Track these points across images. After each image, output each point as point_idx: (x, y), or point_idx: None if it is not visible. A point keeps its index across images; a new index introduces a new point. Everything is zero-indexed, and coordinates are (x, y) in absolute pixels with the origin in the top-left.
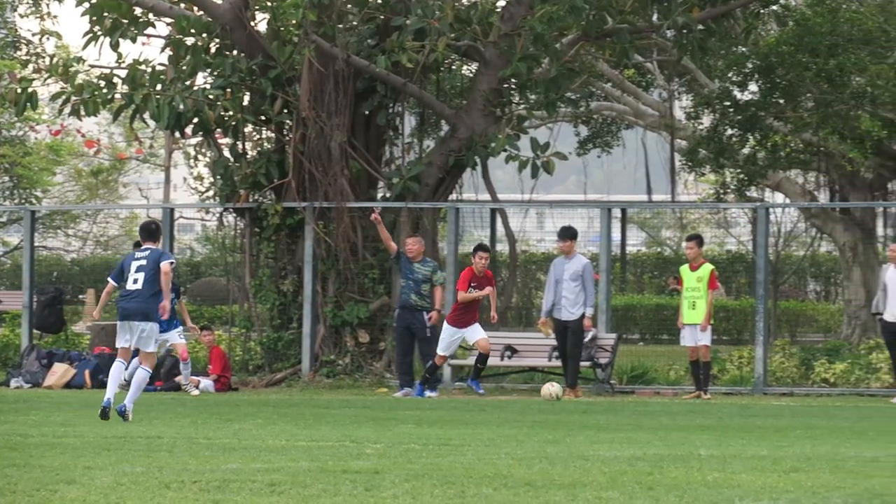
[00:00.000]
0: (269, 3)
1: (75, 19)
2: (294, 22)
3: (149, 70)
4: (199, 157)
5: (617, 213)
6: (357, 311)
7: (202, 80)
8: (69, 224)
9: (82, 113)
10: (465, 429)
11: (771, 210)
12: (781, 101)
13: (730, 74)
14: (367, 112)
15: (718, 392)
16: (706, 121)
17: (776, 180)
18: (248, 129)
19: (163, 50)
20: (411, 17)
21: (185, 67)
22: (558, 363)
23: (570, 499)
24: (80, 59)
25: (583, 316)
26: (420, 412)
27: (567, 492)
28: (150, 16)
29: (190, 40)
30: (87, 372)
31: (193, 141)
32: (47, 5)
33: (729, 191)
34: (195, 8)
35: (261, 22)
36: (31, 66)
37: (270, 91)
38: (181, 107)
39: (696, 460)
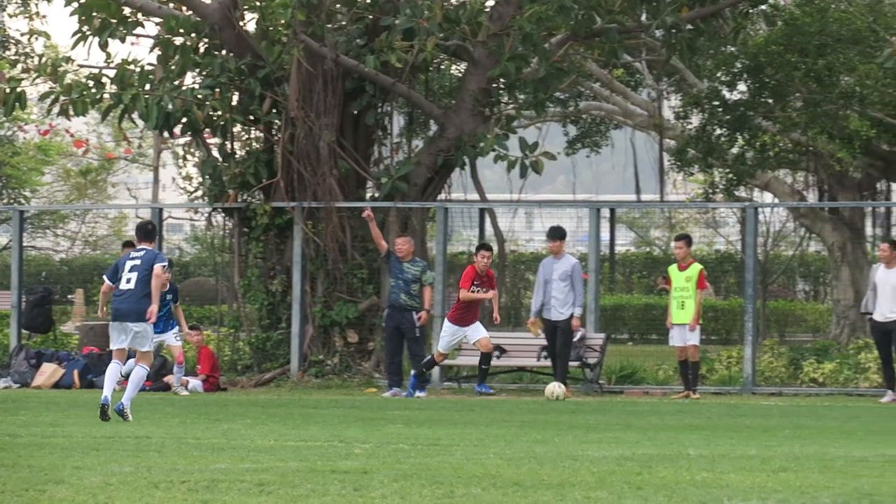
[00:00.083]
0: (257, 3)
1: (64, 19)
2: (283, 21)
3: (137, 70)
4: (188, 156)
5: (606, 212)
6: (346, 311)
7: (191, 79)
8: (58, 224)
9: (71, 113)
10: (453, 429)
11: (760, 210)
12: (770, 100)
13: (719, 74)
14: (355, 112)
15: (707, 392)
16: (695, 120)
17: (765, 180)
18: (237, 128)
19: (151, 50)
20: (400, 16)
21: (173, 67)
22: (547, 363)
23: (559, 499)
24: (68, 59)
25: (572, 316)
26: (409, 412)
27: (556, 492)
28: (139, 15)
29: (179, 40)
30: (75, 372)
31: (182, 141)
32: (36, 5)
33: (718, 190)
34: (184, 8)
35: (249, 22)
36: (19, 66)
37: (259, 91)
38: (170, 106)
39: (684, 460)
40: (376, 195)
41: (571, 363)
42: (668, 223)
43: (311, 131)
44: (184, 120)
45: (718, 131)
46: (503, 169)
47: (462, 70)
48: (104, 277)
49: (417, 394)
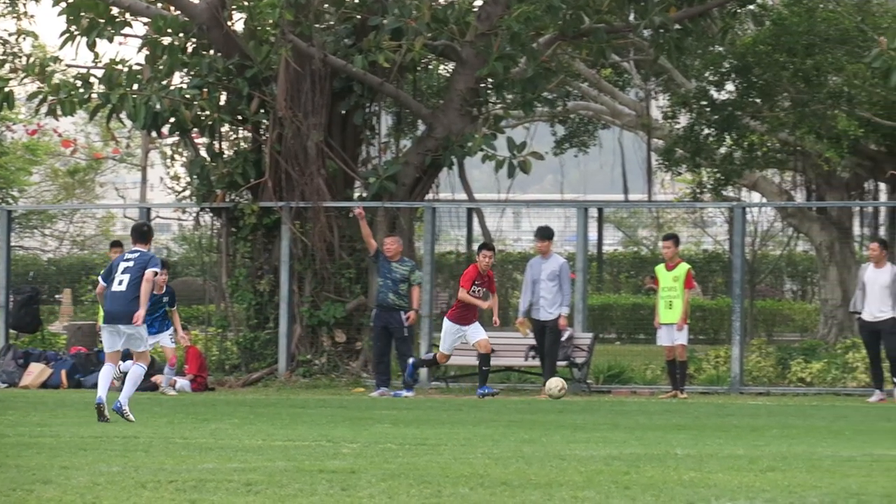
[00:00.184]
0: (245, 3)
1: (52, 19)
2: (271, 21)
3: (125, 70)
4: (176, 156)
5: (593, 212)
6: (333, 310)
7: (179, 79)
8: (46, 224)
9: (59, 113)
10: (441, 428)
11: (747, 209)
12: (758, 100)
13: (707, 74)
14: (343, 111)
15: (695, 391)
16: (683, 120)
17: (753, 180)
18: (225, 128)
19: (139, 49)
20: (388, 16)
21: (161, 67)
22: (535, 363)
23: (547, 498)
24: (56, 59)
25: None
26: (396, 412)
27: (543, 491)
28: (127, 15)
29: (167, 40)
30: (63, 372)
31: (170, 140)
32: (24, 5)
33: (705, 190)
34: (172, 7)
35: (237, 21)
36: (7, 66)
37: (247, 91)
38: (158, 106)
39: (672, 460)
40: (364, 195)
41: (559, 363)
42: (655, 223)
43: (299, 131)
44: (172, 120)
45: (706, 131)
46: (491, 169)
47: (450, 70)
48: (98, 278)
49: (405, 394)
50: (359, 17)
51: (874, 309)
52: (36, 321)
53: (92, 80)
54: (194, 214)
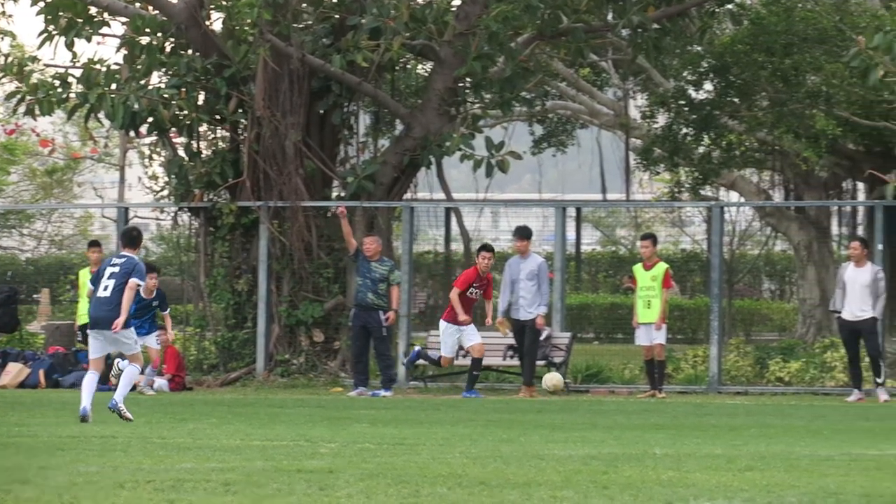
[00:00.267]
0: (224, 3)
1: (30, 18)
2: (249, 21)
3: (104, 69)
4: (154, 156)
5: (572, 212)
6: (311, 310)
7: (157, 79)
8: (24, 223)
9: (37, 112)
10: (419, 428)
11: (725, 209)
12: (736, 100)
13: (685, 73)
14: (321, 111)
15: (673, 391)
16: (661, 120)
17: (731, 179)
18: (203, 128)
19: (118, 49)
20: (366, 16)
21: (139, 67)
22: (513, 362)
23: (525, 498)
24: (34, 59)
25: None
26: (374, 411)
27: (521, 491)
28: (105, 15)
29: (145, 39)
30: (41, 371)
31: (148, 140)
32: (2, 4)
33: (683, 190)
34: (150, 7)
35: (216, 21)
36: None
37: (225, 90)
38: (136, 106)
39: (650, 459)
40: (342, 194)
41: (537, 362)
42: (634, 222)
43: (277, 131)
44: (150, 119)
45: (684, 130)
46: (469, 168)
47: (428, 69)
48: (88, 284)
49: (383, 393)
50: (337, 16)
51: (855, 308)
52: (14, 321)
53: (70, 79)
54: (172, 214)
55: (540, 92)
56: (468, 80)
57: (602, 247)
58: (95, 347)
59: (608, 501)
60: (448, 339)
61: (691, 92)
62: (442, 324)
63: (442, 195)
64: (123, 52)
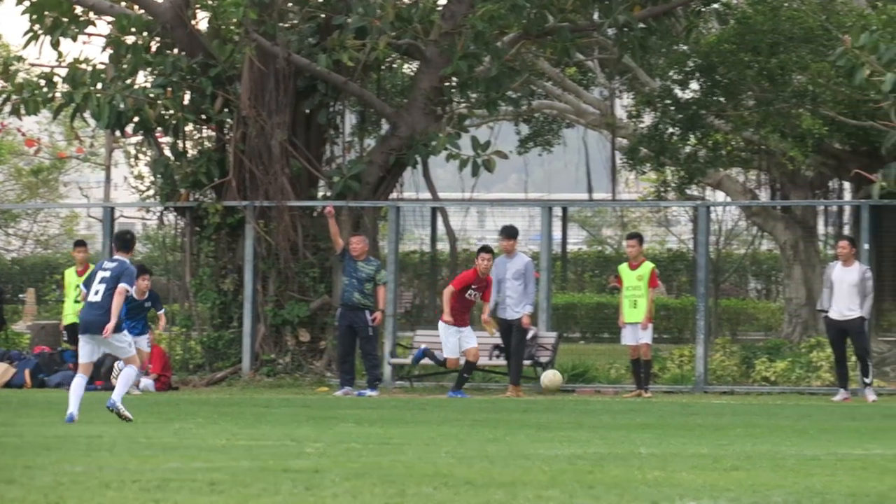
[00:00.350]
0: (209, 2)
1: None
2: (235, 20)
3: (89, 69)
4: (140, 155)
5: (558, 211)
6: (297, 310)
7: (143, 78)
8: (9, 223)
9: (22, 112)
10: (405, 427)
11: (712, 208)
12: (722, 99)
13: (671, 73)
14: (307, 111)
15: (659, 390)
16: (647, 119)
17: (717, 179)
18: (189, 127)
19: (103, 49)
20: (352, 15)
21: (125, 66)
22: (499, 362)
23: (511, 497)
24: (20, 58)
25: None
26: (360, 411)
27: (507, 490)
28: (91, 14)
29: (130, 39)
30: (27, 371)
31: (134, 140)
32: None
33: (670, 189)
34: (136, 6)
35: (201, 21)
36: None
37: (211, 90)
38: (122, 105)
39: (636, 459)
40: (328, 194)
41: (523, 362)
42: (620, 222)
43: (263, 130)
44: (135, 119)
45: (671, 130)
46: (455, 168)
47: (414, 69)
48: (80, 287)
49: (369, 393)
50: (323, 16)
51: (843, 307)
52: (0, 320)
53: (56, 79)
54: (158, 214)
55: (526, 91)
56: (454, 79)
57: (588, 246)
58: (86, 352)
59: (594, 501)
60: (449, 339)
61: (677, 91)
62: (441, 325)
63: (428, 195)
64: (109, 51)
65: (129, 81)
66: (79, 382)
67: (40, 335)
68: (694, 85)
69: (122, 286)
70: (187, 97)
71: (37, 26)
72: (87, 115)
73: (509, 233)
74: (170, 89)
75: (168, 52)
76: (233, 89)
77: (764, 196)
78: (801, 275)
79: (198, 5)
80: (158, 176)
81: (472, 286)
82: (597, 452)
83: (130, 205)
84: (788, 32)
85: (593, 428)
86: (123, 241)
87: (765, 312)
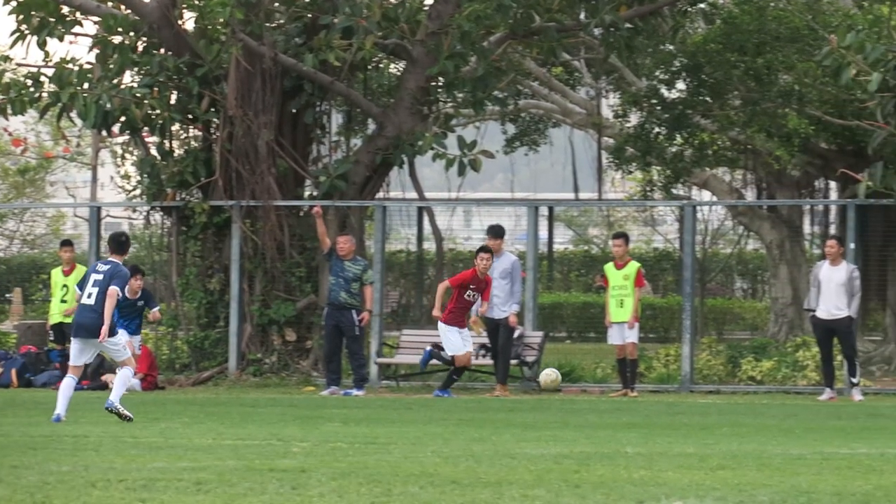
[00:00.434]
0: (196, 2)
1: (2, 18)
2: (221, 20)
3: (76, 68)
4: (126, 155)
5: (544, 211)
6: (284, 309)
7: (129, 78)
8: None
9: (9, 111)
10: (391, 427)
11: (698, 208)
12: (709, 99)
13: (657, 73)
14: (294, 110)
15: (645, 390)
16: (633, 119)
17: (703, 178)
18: (175, 127)
19: (90, 49)
20: (339, 15)
21: (112, 66)
22: (485, 361)
23: (497, 497)
24: (6, 58)
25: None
26: (347, 411)
27: (493, 490)
28: (78, 14)
29: (117, 39)
30: (13, 371)
31: (120, 139)
32: None
33: (656, 189)
34: (122, 6)
35: (188, 20)
36: None
37: (197, 89)
38: (108, 105)
39: (622, 458)
40: (315, 194)
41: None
42: (606, 221)
43: (250, 130)
44: (122, 118)
45: (657, 130)
46: (441, 167)
47: (400, 69)
48: (75, 288)
49: (355, 392)
50: (309, 15)
51: (831, 306)
52: None
53: (42, 78)
54: (145, 213)
55: (512, 91)
56: (440, 79)
57: (574, 246)
58: (77, 353)
59: (580, 500)
60: (452, 337)
61: (664, 91)
62: (442, 326)
63: (414, 194)
64: (96, 51)
65: (115, 81)
66: (68, 384)
67: (27, 335)
68: (680, 85)
69: (112, 289)
70: (174, 97)
71: (24, 26)
72: (73, 114)
73: (496, 232)
74: (156, 89)
75: (155, 51)
76: (219, 89)
77: (750, 195)
78: (787, 274)
79: (184, 5)
80: (145, 175)
81: (471, 286)
82: (583, 452)
83: (117, 204)
84: (775, 32)
85: (579, 427)
86: (118, 243)
87: (751, 312)
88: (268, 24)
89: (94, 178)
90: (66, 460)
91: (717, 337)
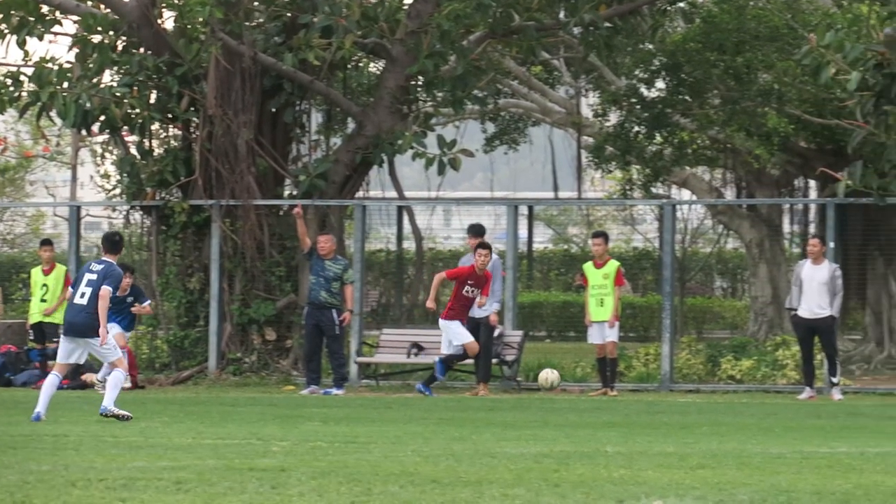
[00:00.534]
0: (175, 1)
1: None
2: (201, 19)
3: (55, 68)
4: (106, 154)
5: (524, 210)
6: (263, 308)
7: (109, 77)
8: None
9: None
10: (371, 426)
11: (677, 207)
12: (688, 98)
13: (637, 72)
14: (273, 109)
15: (625, 389)
16: (613, 118)
17: (683, 177)
18: (155, 126)
19: (70, 48)
20: (318, 14)
21: (91, 65)
22: (467, 360)
23: (477, 496)
24: None
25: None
26: (326, 410)
27: (473, 489)
28: (57, 13)
29: (97, 38)
30: None
31: (100, 139)
32: None
33: (635, 187)
34: (102, 6)
35: (168, 20)
36: None
37: (177, 89)
38: (88, 104)
39: (602, 457)
40: (294, 193)
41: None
42: (585, 220)
43: (229, 129)
44: (102, 118)
45: (636, 129)
46: (421, 166)
47: (380, 68)
48: (70, 288)
49: (335, 391)
50: (289, 15)
51: (813, 305)
52: None
53: (22, 78)
54: (124, 213)
55: (492, 90)
56: (420, 78)
57: (554, 245)
58: (65, 352)
59: (560, 499)
60: (456, 329)
61: (643, 90)
62: (443, 322)
63: (394, 193)
64: (75, 50)
65: (95, 80)
66: (52, 381)
67: (6, 334)
68: (660, 84)
69: (105, 289)
70: (153, 96)
71: (3, 25)
72: (53, 113)
73: (477, 231)
74: (136, 88)
75: (134, 51)
76: (199, 88)
77: (730, 194)
78: (767, 273)
79: (164, 4)
80: (125, 175)
81: (469, 282)
82: (563, 451)
83: (97, 203)
84: (754, 31)
85: (559, 426)
86: (112, 242)
87: (730, 311)
88: (247, 24)
89: (74, 178)
90: (47, 459)
91: (697, 336)
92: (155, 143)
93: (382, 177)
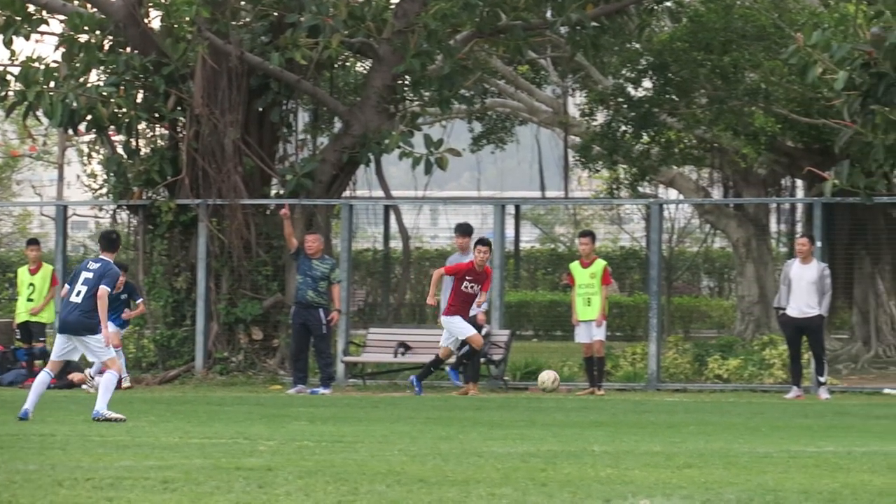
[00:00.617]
0: (162, 1)
1: None
2: (187, 19)
3: (42, 67)
4: (93, 154)
5: (511, 209)
6: (250, 308)
7: (95, 77)
8: None
9: None
10: (358, 425)
11: (664, 206)
12: (675, 97)
13: (624, 71)
14: (260, 109)
15: (612, 388)
16: (600, 117)
17: (670, 176)
18: (142, 126)
19: (56, 47)
20: (305, 13)
21: (78, 64)
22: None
23: (464, 495)
24: None
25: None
26: (313, 409)
27: (460, 488)
28: (44, 13)
29: (83, 37)
30: None
31: (87, 138)
32: None
33: (622, 187)
34: (89, 5)
35: (154, 19)
36: None
37: (164, 88)
38: (74, 104)
39: (589, 456)
40: (281, 192)
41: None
42: (572, 220)
43: (216, 128)
44: (88, 117)
45: (623, 128)
46: (408, 166)
47: (367, 67)
48: (66, 285)
49: (322, 391)
50: (276, 14)
51: (802, 304)
52: None
53: (8, 77)
54: (111, 212)
55: (479, 89)
56: (407, 77)
57: (541, 244)
58: (60, 349)
59: (547, 499)
60: (458, 323)
61: (630, 89)
62: (444, 319)
63: (381, 193)
64: (62, 49)
65: (81, 80)
66: (42, 379)
67: None
68: (647, 83)
69: (103, 288)
70: (140, 95)
71: None
72: (39, 113)
73: (464, 230)
74: (122, 87)
75: (121, 50)
76: (186, 87)
77: (716, 194)
78: (754, 272)
79: (150, 4)
80: (111, 174)
81: (468, 278)
82: (550, 450)
83: (83, 203)
84: (741, 30)
85: (546, 426)
86: (109, 241)
87: (717, 310)
88: (234, 23)
89: (61, 177)
90: (33, 459)
91: (684, 335)
92: (142, 142)
93: (369, 176)
